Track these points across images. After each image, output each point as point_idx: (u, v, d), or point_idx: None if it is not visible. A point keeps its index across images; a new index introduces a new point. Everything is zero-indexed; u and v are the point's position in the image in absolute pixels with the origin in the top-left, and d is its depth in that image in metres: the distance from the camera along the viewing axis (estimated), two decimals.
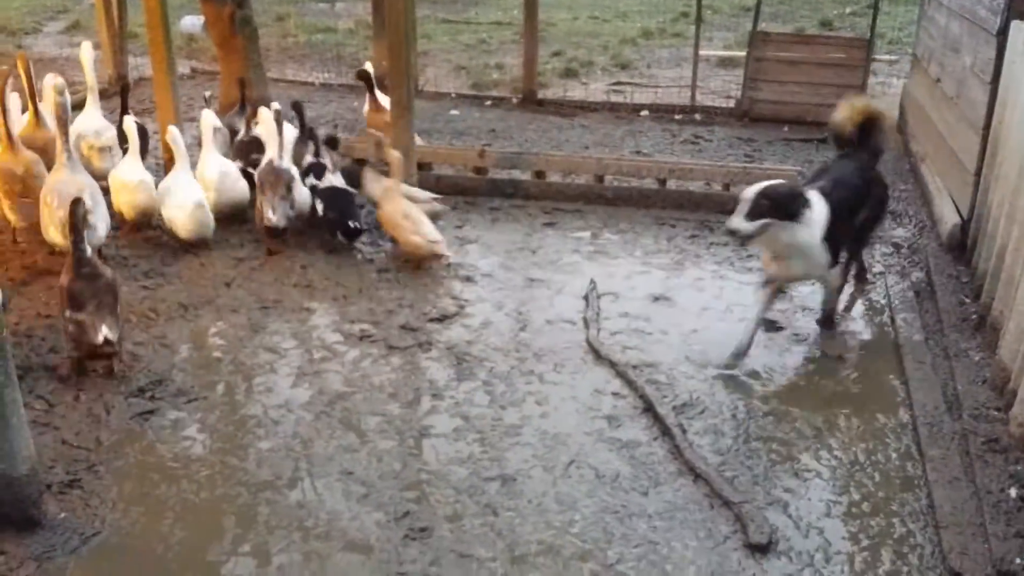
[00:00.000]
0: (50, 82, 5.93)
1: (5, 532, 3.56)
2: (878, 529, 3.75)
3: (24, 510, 3.58)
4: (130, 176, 6.13)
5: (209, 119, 6.72)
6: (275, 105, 6.53)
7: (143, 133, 6.58)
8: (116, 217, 6.19)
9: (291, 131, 6.92)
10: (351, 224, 6.24)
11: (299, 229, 6.43)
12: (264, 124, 6.49)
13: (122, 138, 6.37)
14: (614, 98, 10.52)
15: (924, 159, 7.83)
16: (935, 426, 4.31)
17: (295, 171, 6.43)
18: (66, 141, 5.62)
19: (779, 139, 9.11)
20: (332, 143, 6.63)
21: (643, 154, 8.49)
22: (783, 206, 4.65)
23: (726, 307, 5.65)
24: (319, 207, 6.35)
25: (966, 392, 4.57)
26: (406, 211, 6.08)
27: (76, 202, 4.64)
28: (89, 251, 4.72)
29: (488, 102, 10.50)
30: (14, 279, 5.72)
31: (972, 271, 5.75)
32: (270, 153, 6.29)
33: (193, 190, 6.11)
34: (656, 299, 5.72)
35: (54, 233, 5.55)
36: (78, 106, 6.79)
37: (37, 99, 6.38)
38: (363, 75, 8.23)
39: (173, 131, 6.24)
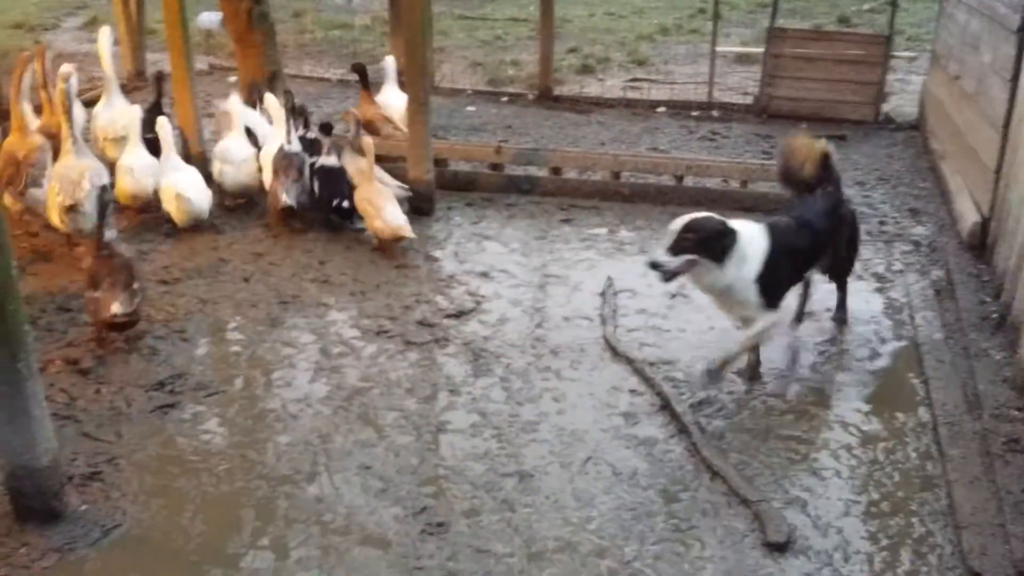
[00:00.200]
0: (60, 71, 6.05)
1: (27, 523, 3.60)
2: (897, 529, 3.74)
3: (46, 502, 3.61)
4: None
5: (237, 103, 6.97)
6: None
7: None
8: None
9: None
10: (343, 204, 6.41)
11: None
12: (272, 111, 6.76)
13: (147, 127, 6.48)
14: (631, 94, 10.49)
15: (944, 157, 7.78)
16: (955, 425, 4.29)
17: (305, 156, 6.59)
18: (72, 127, 5.73)
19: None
20: (326, 129, 6.74)
21: (660, 151, 8.47)
22: (709, 242, 4.28)
23: None
24: (316, 186, 6.53)
25: (986, 391, 4.54)
26: (371, 196, 6.19)
27: (103, 188, 5.02)
28: (109, 233, 4.93)
29: (504, 98, 10.49)
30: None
31: (992, 269, 5.72)
32: (281, 139, 6.48)
33: (191, 176, 6.32)
34: (673, 296, 5.70)
35: (55, 217, 5.70)
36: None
37: (51, 88, 6.42)
38: (358, 68, 8.26)
39: (162, 121, 6.41)
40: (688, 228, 4.28)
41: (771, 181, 7.10)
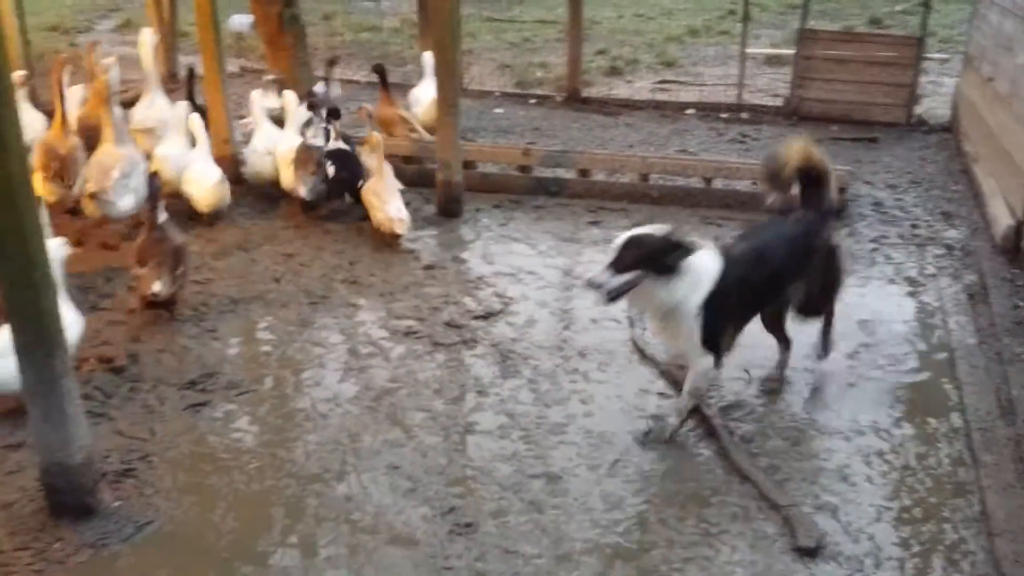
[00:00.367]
0: (102, 63, 6.42)
1: (62, 519, 3.65)
2: (929, 535, 3.70)
3: (80, 498, 3.66)
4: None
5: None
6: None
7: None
8: None
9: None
10: (360, 186, 6.58)
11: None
12: (288, 107, 7.12)
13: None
14: (659, 96, 10.47)
15: (977, 159, 7.69)
16: (988, 431, 4.24)
17: (323, 148, 6.77)
18: (112, 117, 6.06)
19: (828, 138, 8.96)
20: (334, 114, 6.90)
21: (689, 153, 8.44)
22: (656, 256, 3.87)
23: None
24: (330, 169, 6.68)
25: (1020, 397, 4.49)
26: (378, 190, 6.36)
27: (153, 174, 5.48)
28: (162, 216, 5.26)
29: (532, 100, 10.50)
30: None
31: None
32: (296, 134, 6.80)
33: (212, 169, 6.56)
34: None
35: (86, 204, 6.04)
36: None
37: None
38: (377, 69, 8.40)
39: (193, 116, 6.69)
40: (631, 243, 3.88)
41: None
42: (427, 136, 7.95)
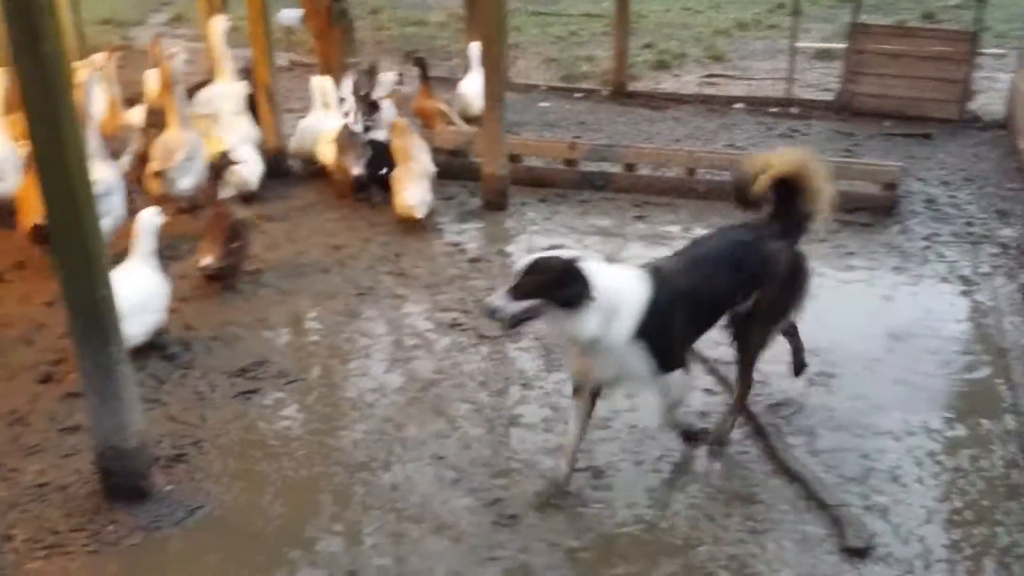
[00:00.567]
0: (168, 50, 6.79)
1: (115, 502, 3.74)
2: (981, 538, 3.63)
3: (134, 482, 3.74)
4: None
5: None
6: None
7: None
8: None
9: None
10: (383, 174, 6.80)
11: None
12: (327, 95, 7.54)
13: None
14: (707, 90, 10.37)
15: None
16: None
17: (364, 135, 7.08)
18: (177, 102, 6.44)
19: (879, 134, 8.85)
20: (373, 107, 7.19)
21: (737, 147, 8.36)
22: (557, 285, 3.44)
23: (822, 306, 5.50)
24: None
25: None
26: (401, 175, 6.54)
27: (223, 154, 5.92)
28: (224, 193, 5.65)
29: (578, 94, 10.46)
30: None
31: None
32: (347, 119, 7.16)
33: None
34: None
35: (150, 182, 6.41)
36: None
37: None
38: (418, 61, 8.54)
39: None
40: (531, 268, 3.48)
41: (853, 180, 6.97)
42: (465, 127, 8.11)
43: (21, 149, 6.00)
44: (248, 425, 4.34)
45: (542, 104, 10.02)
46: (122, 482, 3.74)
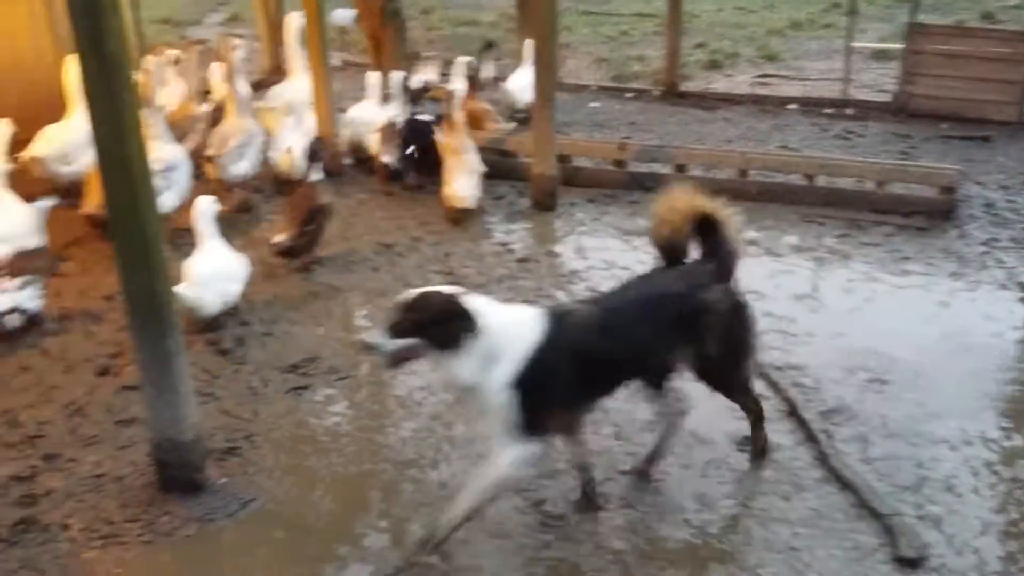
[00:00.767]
0: (229, 44, 7.30)
1: (170, 494, 3.82)
2: None
3: (189, 474, 3.82)
4: None
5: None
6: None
7: None
8: None
9: None
10: (413, 153, 7.16)
11: None
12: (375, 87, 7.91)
13: None
14: (760, 91, 10.26)
15: None
16: None
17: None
18: (237, 92, 6.83)
19: (936, 136, 8.67)
20: (418, 94, 7.69)
21: (790, 149, 8.26)
22: (434, 325, 3.24)
23: (878, 311, 5.43)
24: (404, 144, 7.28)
25: None
26: (450, 167, 6.71)
27: (317, 139, 6.44)
28: (314, 176, 5.95)
29: (629, 94, 10.41)
30: None
31: None
32: (392, 112, 7.49)
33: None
34: (801, 299, 5.56)
35: (207, 166, 6.67)
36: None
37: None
38: (488, 45, 8.75)
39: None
40: (411, 306, 3.30)
41: (910, 183, 6.85)
42: (507, 126, 8.28)
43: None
44: (299, 420, 4.40)
45: (592, 104, 9.99)
46: (177, 474, 3.81)
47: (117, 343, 4.97)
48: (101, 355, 4.93)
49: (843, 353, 4.93)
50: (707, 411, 4.43)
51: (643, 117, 9.45)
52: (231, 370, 4.79)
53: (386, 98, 7.80)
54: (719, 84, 10.57)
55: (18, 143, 6.38)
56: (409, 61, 8.97)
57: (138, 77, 6.99)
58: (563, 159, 7.41)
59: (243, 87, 7.06)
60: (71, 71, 6.34)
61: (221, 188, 6.61)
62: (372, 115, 7.63)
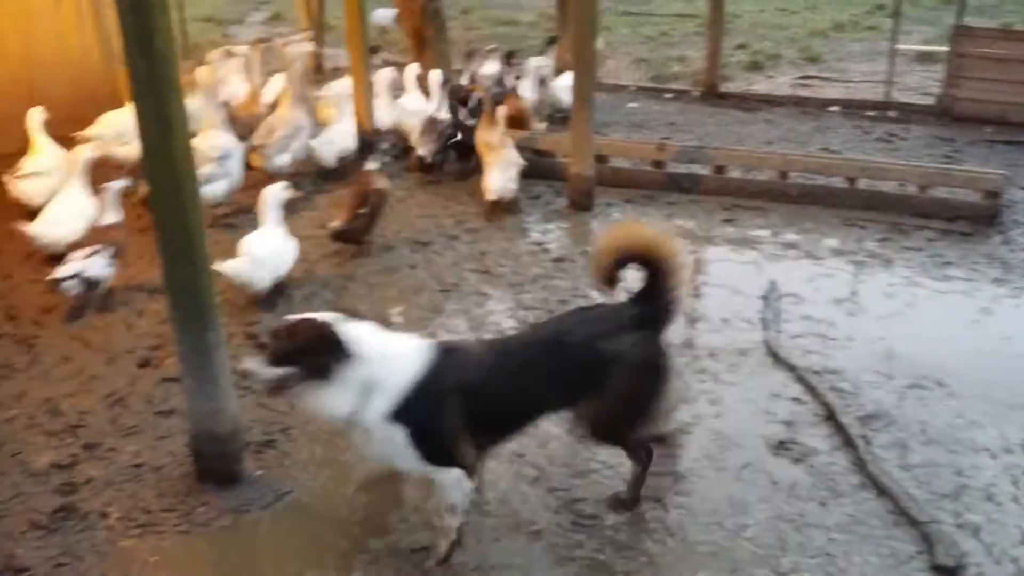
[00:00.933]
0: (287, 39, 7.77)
1: (207, 484, 3.86)
2: None
3: (226, 466, 3.86)
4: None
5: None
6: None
7: None
8: None
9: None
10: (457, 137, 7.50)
11: None
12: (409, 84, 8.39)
13: None
14: (801, 92, 10.16)
15: None
16: None
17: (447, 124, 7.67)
18: (293, 85, 7.21)
19: (981, 140, 8.53)
20: (455, 93, 7.77)
21: (832, 151, 8.16)
22: (308, 354, 3.08)
23: (920, 317, 5.35)
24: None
25: None
26: (488, 161, 6.87)
27: (375, 131, 7.10)
28: (372, 164, 6.25)
29: (668, 95, 10.37)
30: None
31: None
32: (432, 108, 7.73)
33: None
34: (841, 303, 5.49)
35: (252, 155, 6.92)
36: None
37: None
38: (552, 40, 9.23)
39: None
40: (284, 333, 3.16)
41: (953, 187, 6.75)
42: (540, 127, 8.39)
43: None
44: None
45: (631, 104, 9.97)
46: (214, 465, 3.86)
47: (158, 335, 5.05)
48: (142, 347, 5.02)
49: (882, 358, 4.87)
50: (742, 414, 4.42)
51: (682, 118, 9.41)
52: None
53: (426, 94, 8.01)
54: (760, 85, 10.49)
55: (64, 139, 6.56)
56: (467, 56, 9.04)
57: (201, 73, 7.34)
58: (601, 159, 7.40)
59: (299, 79, 7.32)
60: None
61: (265, 176, 6.83)
62: (418, 106, 7.96)
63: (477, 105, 7.43)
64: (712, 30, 10.06)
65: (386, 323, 5.32)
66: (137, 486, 3.91)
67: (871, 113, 9.41)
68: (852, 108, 9.58)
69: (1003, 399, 4.53)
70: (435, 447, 3.22)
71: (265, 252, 5.38)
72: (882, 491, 3.82)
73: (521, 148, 7.19)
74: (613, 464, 4.04)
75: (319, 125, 7.63)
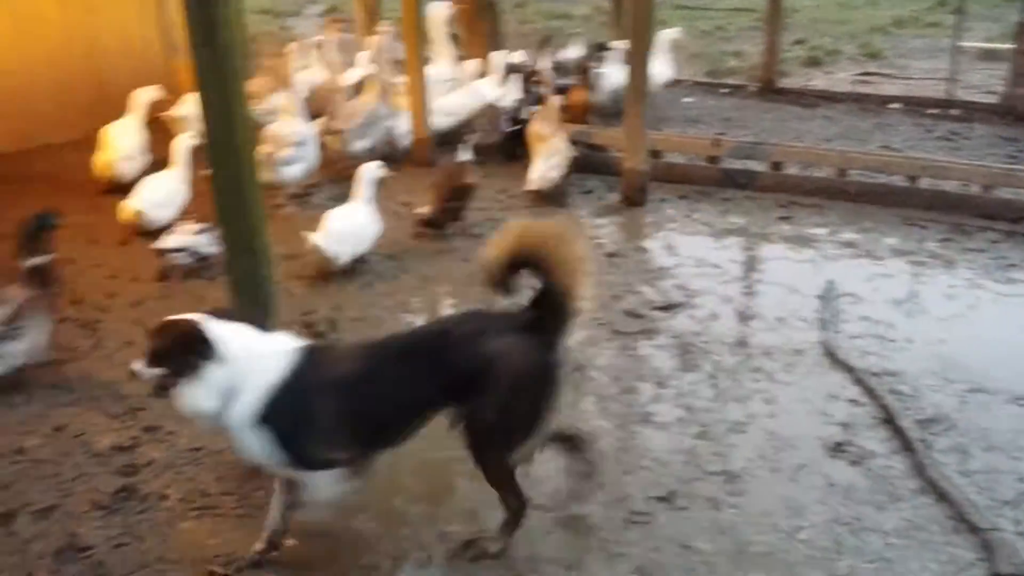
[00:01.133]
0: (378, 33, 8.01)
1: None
2: None
3: None
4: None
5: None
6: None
7: None
8: None
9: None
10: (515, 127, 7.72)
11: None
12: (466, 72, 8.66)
13: None
14: (861, 89, 9.99)
15: None
16: None
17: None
18: (382, 76, 7.52)
19: None
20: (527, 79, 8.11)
21: (892, 149, 8.01)
22: (173, 354, 3.05)
23: (982, 320, 5.23)
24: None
25: None
26: (535, 150, 6.96)
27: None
28: (462, 156, 6.42)
29: (724, 90, 10.26)
30: None
31: None
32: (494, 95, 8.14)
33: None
34: (900, 304, 5.40)
35: (330, 138, 7.30)
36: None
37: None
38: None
39: None
40: (154, 333, 3.12)
41: (1018, 187, 6.58)
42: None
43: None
44: None
45: (686, 100, 9.88)
46: None
47: None
48: None
49: (943, 361, 4.77)
50: (797, 414, 4.37)
51: (738, 113, 9.31)
52: None
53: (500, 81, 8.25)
54: (819, 81, 10.34)
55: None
56: (542, 43, 9.11)
57: (279, 60, 7.68)
58: (655, 154, 7.35)
59: (387, 68, 7.53)
60: None
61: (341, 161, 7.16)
62: (491, 93, 8.24)
63: (536, 96, 7.46)
64: (770, 24, 9.93)
65: (437, 315, 5.41)
66: (196, 469, 3.99)
67: (933, 111, 9.23)
68: (913, 106, 9.39)
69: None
70: (301, 449, 3.16)
71: (346, 229, 5.67)
72: (941, 496, 3.74)
73: (575, 142, 7.18)
74: (666, 461, 4.03)
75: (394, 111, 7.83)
